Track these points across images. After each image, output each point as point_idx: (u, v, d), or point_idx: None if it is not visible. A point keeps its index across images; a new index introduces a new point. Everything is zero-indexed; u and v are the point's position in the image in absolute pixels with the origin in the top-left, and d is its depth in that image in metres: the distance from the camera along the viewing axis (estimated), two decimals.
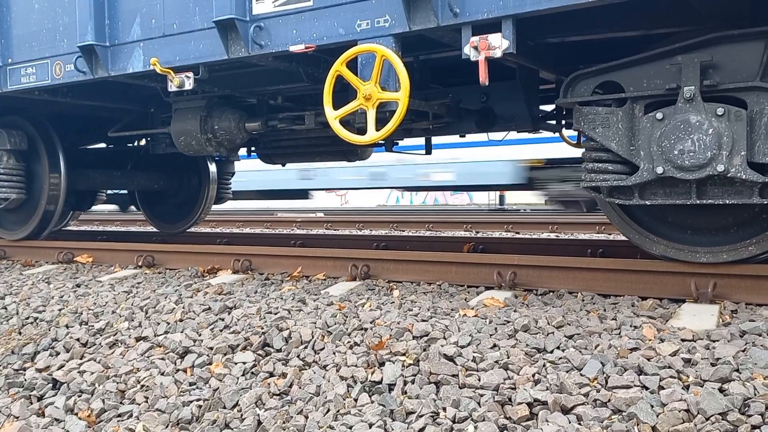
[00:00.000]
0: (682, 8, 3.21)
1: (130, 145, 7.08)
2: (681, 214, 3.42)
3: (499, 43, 3.03)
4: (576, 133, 4.72)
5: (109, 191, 8.13)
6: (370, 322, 2.90)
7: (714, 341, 2.45)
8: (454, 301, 3.32)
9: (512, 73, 4.43)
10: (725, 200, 3.02)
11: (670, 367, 2.19)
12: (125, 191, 7.79)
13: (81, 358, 3.04)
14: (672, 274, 3.23)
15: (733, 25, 3.04)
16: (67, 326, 3.41)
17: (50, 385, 2.85)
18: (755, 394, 1.97)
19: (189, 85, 4.01)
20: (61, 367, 2.97)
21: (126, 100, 5.72)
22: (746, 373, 2.11)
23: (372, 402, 2.30)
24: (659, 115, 3.05)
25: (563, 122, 4.81)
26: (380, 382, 2.39)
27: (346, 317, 3.02)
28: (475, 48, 3.08)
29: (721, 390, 2.02)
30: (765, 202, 2.95)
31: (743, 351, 2.30)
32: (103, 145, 7.21)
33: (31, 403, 2.74)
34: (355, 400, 2.32)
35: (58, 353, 3.15)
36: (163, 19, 3.99)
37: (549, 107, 5.02)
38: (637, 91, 3.14)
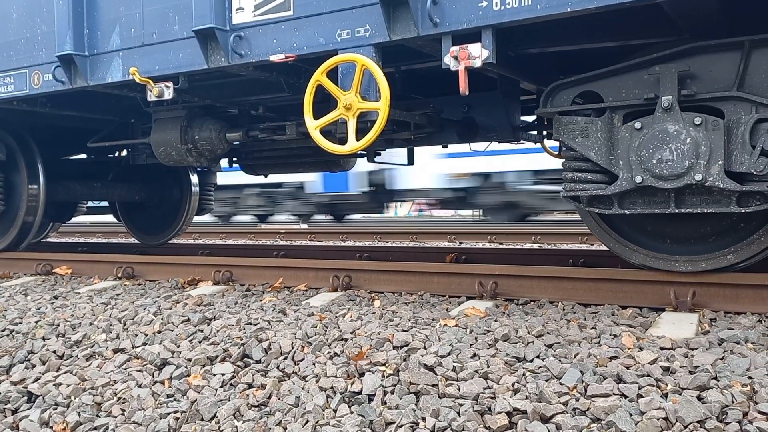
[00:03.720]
0: (659, 19, 3.25)
1: (111, 155, 7.03)
2: (660, 223, 3.44)
3: (478, 53, 3.04)
4: (558, 143, 4.75)
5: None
6: (351, 333, 2.89)
7: (692, 349, 2.46)
8: (435, 311, 3.31)
9: (493, 84, 4.45)
10: (703, 209, 3.04)
11: (648, 376, 2.19)
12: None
13: (57, 371, 2.99)
14: (651, 283, 3.25)
15: (709, 35, 3.07)
16: (43, 338, 3.36)
17: (25, 398, 2.80)
18: (733, 402, 1.97)
19: (169, 95, 3.98)
20: (36, 379, 2.92)
21: (106, 111, 5.67)
22: (724, 380, 2.11)
23: (351, 413, 2.28)
24: (638, 125, 3.07)
25: (544, 132, 4.83)
26: (360, 393, 2.37)
27: (327, 328, 3.00)
28: (455, 58, 3.09)
29: (699, 398, 2.03)
30: (743, 211, 2.98)
31: (721, 359, 2.31)
32: (83, 155, 7.15)
33: (5, 417, 2.69)
34: (335, 411, 2.30)
35: (33, 366, 3.09)
36: (143, 28, 3.97)
37: (530, 117, 5.06)
38: (616, 101, 3.16)
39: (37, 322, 3.59)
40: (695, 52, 3.00)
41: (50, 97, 4.82)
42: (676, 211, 3.08)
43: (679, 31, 3.25)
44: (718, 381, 2.12)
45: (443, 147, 5.44)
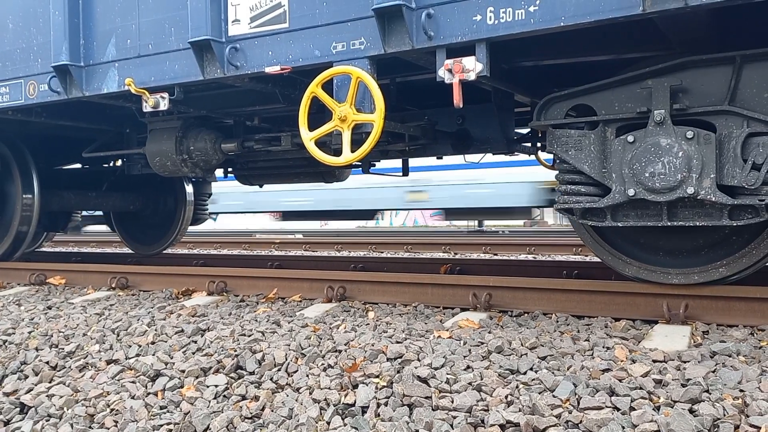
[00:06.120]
0: (651, 34, 3.28)
1: (106, 165, 7.03)
2: (653, 235, 3.46)
3: (472, 66, 3.07)
4: (552, 156, 4.77)
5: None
6: (345, 344, 2.88)
7: (685, 362, 2.47)
8: (429, 322, 3.31)
9: (488, 96, 4.48)
10: (695, 222, 3.06)
11: (641, 388, 2.20)
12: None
13: (50, 382, 2.98)
14: (644, 296, 3.26)
15: (702, 50, 3.10)
16: (36, 349, 3.34)
17: (18, 409, 2.78)
18: (724, 415, 1.98)
19: (164, 105, 3.99)
20: (29, 390, 2.91)
21: (101, 121, 5.68)
22: (716, 393, 2.12)
23: (345, 425, 2.27)
24: (630, 138, 3.09)
25: (538, 144, 4.86)
26: (353, 405, 2.37)
27: (321, 339, 2.99)
28: (450, 71, 3.11)
29: (691, 411, 2.03)
30: (734, 225, 3.00)
31: (713, 372, 2.32)
32: (78, 165, 7.15)
33: None
34: (328, 423, 2.30)
35: (26, 377, 3.08)
36: (139, 39, 3.98)
37: (524, 130, 5.08)
38: (609, 115, 3.19)
39: (30, 332, 3.58)
40: (687, 66, 3.03)
41: (46, 107, 4.83)
42: (669, 224, 3.10)
43: (671, 46, 3.28)
44: (710, 394, 2.13)
45: (438, 158, 5.46)
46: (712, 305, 3.13)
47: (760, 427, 1.91)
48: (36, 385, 2.95)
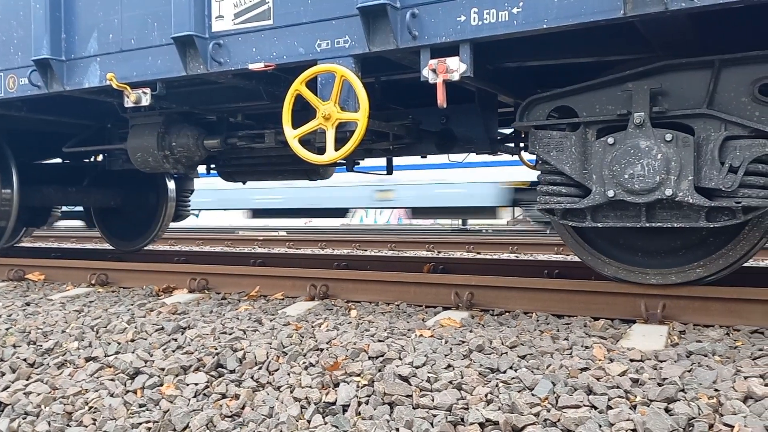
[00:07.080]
0: (633, 37, 3.31)
1: (87, 160, 6.96)
2: (632, 236, 3.50)
3: (456, 67, 3.08)
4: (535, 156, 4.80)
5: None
6: (327, 343, 2.89)
7: (661, 361, 2.50)
8: (411, 321, 3.32)
9: (471, 96, 4.50)
10: (673, 224, 3.10)
11: (618, 387, 2.23)
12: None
13: (27, 379, 2.95)
14: (623, 295, 3.30)
15: (682, 53, 3.14)
16: (14, 346, 3.31)
17: None
18: (699, 414, 2.01)
19: (146, 101, 3.97)
20: (6, 388, 2.88)
21: (82, 115, 5.63)
22: (691, 393, 2.15)
23: (325, 423, 2.28)
24: (610, 140, 3.12)
25: (521, 145, 4.89)
26: (334, 403, 2.38)
27: (302, 337, 3.00)
28: (434, 71, 3.12)
29: (666, 410, 2.06)
30: (711, 226, 3.04)
31: (689, 371, 2.36)
32: (59, 160, 7.08)
33: None
34: (308, 422, 2.30)
35: (3, 374, 3.05)
36: (121, 34, 3.95)
37: (508, 130, 5.11)
38: (590, 116, 3.22)
39: (7, 329, 3.54)
40: (667, 69, 3.06)
41: (26, 101, 4.78)
42: (647, 225, 3.14)
43: (653, 49, 3.31)
44: (686, 393, 2.16)
45: (422, 157, 5.47)
46: (690, 305, 3.18)
47: (733, 426, 1.94)
48: (13, 382, 2.92)
